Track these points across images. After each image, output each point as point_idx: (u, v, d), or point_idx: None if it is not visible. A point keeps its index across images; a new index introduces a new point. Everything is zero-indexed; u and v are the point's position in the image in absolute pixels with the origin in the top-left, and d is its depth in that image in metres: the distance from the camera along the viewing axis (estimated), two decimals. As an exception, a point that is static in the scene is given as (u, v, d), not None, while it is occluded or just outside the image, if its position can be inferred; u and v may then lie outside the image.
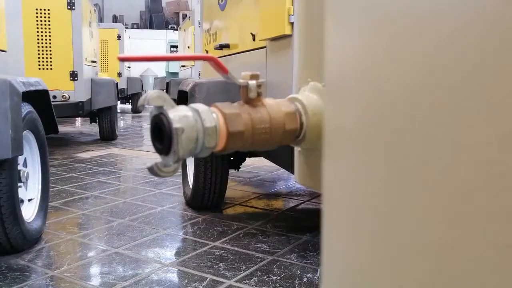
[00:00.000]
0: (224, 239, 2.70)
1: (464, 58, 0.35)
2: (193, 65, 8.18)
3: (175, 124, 0.73)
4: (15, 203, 2.30)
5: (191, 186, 3.24)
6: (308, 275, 2.22)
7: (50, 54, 5.56)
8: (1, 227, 2.28)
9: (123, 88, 11.02)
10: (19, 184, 2.45)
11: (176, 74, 11.97)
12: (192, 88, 2.84)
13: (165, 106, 0.75)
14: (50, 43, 5.54)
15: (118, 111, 11.62)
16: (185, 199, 3.42)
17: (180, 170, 3.48)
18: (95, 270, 2.30)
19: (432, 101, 0.39)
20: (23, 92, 2.35)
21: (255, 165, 4.92)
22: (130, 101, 13.49)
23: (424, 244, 0.40)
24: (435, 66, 0.38)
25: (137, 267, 2.31)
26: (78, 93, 5.68)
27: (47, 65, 5.56)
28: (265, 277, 2.20)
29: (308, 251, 2.53)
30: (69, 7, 5.58)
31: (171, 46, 14.12)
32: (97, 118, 6.94)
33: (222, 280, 2.16)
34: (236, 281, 2.15)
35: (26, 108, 2.51)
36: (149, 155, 5.73)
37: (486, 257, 0.33)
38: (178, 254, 2.51)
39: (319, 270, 2.28)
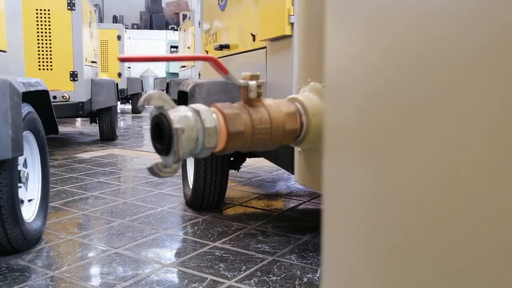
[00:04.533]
0: (224, 239, 2.70)
1: (464, 58, 0.35)
2: (193, 66, 8.18)
3: (175, 125, 0.73)
4: (15, 203, 2.30)
5: (191, 187, 3.24)
6: (308, 276, 2.22)
7: (50, 55, 5.56)
8: (1, 227, 2.28)
9: (123, 89, 11.02)
10: (19, 184, 2.45)
11: (176, 74, 11.97)
12: (192, 89, 2.84)
13: (165, 106, 0.75)
14: (50, 44, 5.54)
15: (118, 111, 11.63)
16: (185, 200, 3.42)
17: (180, 171, 3.48)
18: (95, 270, 2.30)
19: (433, 100, 0.39)
20: (23, 93, 2.35)
21: (255, 165, 4.92)
22: (130, 101, 13.49)
23: (424, 244, 0.40)
24: (435, 65, 0.38)
25: (137, 267, 2.31)
26: (78, 93, 5.68)
27: (47, 65, 5.56)
28: (265, 277, 2.20)
29: (308, 252, 2.52)
30: (69, 7, 5.58)
31: (171, 47, 14.12)
32: (97, 118, 6.94)
33: (222, 280, 2.16)
34: (236, 282, 2.15)
35: (26, 108, 2.51)
36: (149, 156, 5.73)
37: (488, 257, 0.33)
38: (178, 254, 2.51)
39: (319, 270, 2.28)
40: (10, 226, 2.30)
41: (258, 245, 2.61)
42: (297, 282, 2.15)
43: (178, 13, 20.63)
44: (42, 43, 5.52)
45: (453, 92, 0.36)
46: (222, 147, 0.80)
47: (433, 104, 0.39)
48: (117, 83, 7.28)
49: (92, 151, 6.08)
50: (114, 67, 10.87)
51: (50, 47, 5.55)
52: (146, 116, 11.28)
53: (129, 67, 12.79)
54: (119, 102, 11.09)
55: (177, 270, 2.30)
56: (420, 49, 0.40)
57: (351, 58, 0.53)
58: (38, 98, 2.81)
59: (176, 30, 16.03)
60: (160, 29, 19.47)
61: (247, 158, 3.42)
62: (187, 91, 2.88)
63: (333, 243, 0.58)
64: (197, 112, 0.77)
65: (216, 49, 3.44)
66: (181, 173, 3.53)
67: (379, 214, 0.47)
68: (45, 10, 5.48)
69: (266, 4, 2.39)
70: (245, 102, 0.83)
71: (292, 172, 2.10)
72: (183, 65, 10.19)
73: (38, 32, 5.48)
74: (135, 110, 12.55)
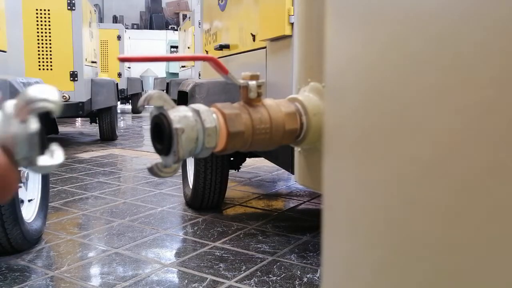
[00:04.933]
0: (224, 239, 2.70)
1: (463, 58, 0.35)
2: (193, 66, 8.18)
3: (175, 125, 0.73)
4: (15, 203, 2.30)
5: (191, 187, 3.24)
6: (308, 276, 2.22)
7: (50, 55, 5.56)
8: (1, 227, 2.28)
9: (123, 89, 11.02)
10: (19, 184, 2.45)
11: (176, 74, 11.96)
12: (192, 89, 2.84)
13: (165, 106, 0.75)
14: (50, 44, 5.54)
15: (118, 111, 11.62)
16: (185, 200, 3.42)
17: (180, 171, 3.48)
18: (95, 270, 2.30)
19: (432, 100, 0.39)
20: (23, 93, 2.34)
21: (255, 165, 4.92)
22: (130, 101, 13.48)
23: (425, 244, 0.40)
24: (434, 65, 0.38)
25: (137, 267, 2.31)
26: (78, 93, 5.68)
27: (47, 65, 5.56)
28: (265, 277, 2.20)
29: (308, 252, 2.52)
30: (69, 7, 5.57)
31: (171, 47, 14.12)
32: (97, 118, 6.93)
33: (222, 280, 2.16)
34: (236, 282, 2.15)
35: (26, 108, 2.50)
36: (149, 156, 5.73)
37: (487, 257, 0.33)
38: (178, 254, 2.51)
39: (319, 270, 2.28)
40: (10, 226, 2.30)
41: (258, 245, 2.61)
42: (297, 282, 2.15)
43: (178, 13, 20.63)
44: (42, 43, 5.52)
45: (453, 92, 0.36)
46: (222, 147, 0.80)
47: (433, 104, 0.39)
48: (117, 83, 7.28)
49: (92, 151, 6.08)
50: (114, 67, 10.86)
51: (50, 47, 5.55)
52: (146, 116, 11.28)
53: (129, 67, 12.78)
54: (119, 102, 11.09)
55: (177, 270, 2.30)
56: (420, 49, 0.40)
57: (351, 58, 0.53)
58: (38, 98, 2.80)
59: (176, 30, 16.02)
60: (160, 29, 19.46)
61: (247, 158, 3.42)
62: (187, 91, 2.88)
63: (333, 243, 0.58)
64: (197, 112, 0.77)
65: (216, 49, 3.44)
66: (181, 173, 3.53)
67: (379, 213, 0.47)
68: (45, 10, 5.48)
69: (266, 4, 2.39)
70: (245, 102, 0.83)
71: (292, 172, 2.10)
72: (183, 65, 10.18)
73: (38, 32, 5.48)
74: (135, 110, 12.55)
